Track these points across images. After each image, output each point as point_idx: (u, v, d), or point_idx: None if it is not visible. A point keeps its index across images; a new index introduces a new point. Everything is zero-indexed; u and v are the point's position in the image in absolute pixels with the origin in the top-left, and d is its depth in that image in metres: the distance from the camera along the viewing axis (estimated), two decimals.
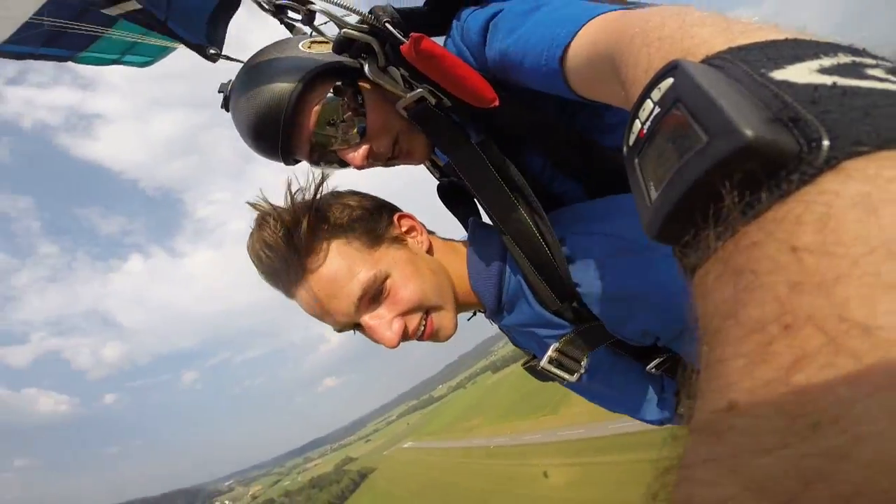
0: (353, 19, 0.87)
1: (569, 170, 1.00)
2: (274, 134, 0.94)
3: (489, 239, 0.99)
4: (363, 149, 0.98)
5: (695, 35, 0.34)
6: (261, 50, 1.02)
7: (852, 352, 0.17)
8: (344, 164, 1.02)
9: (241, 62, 1.06)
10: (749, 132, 0.22)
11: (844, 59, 0.25)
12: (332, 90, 0.95)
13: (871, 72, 0.24)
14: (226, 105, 1.04)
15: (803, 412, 0.17)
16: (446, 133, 0.89)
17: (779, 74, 0.25)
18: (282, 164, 1.03)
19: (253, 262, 0.91)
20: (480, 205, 0.95)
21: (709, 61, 0.29)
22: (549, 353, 0.94)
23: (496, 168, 0.88)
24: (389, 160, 1.03)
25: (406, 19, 0.88)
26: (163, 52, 1.61)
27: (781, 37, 0.29)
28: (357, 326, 0.94)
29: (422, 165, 1.21)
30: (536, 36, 0.71)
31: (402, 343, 0.93)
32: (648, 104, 0.30)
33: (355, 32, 0.85)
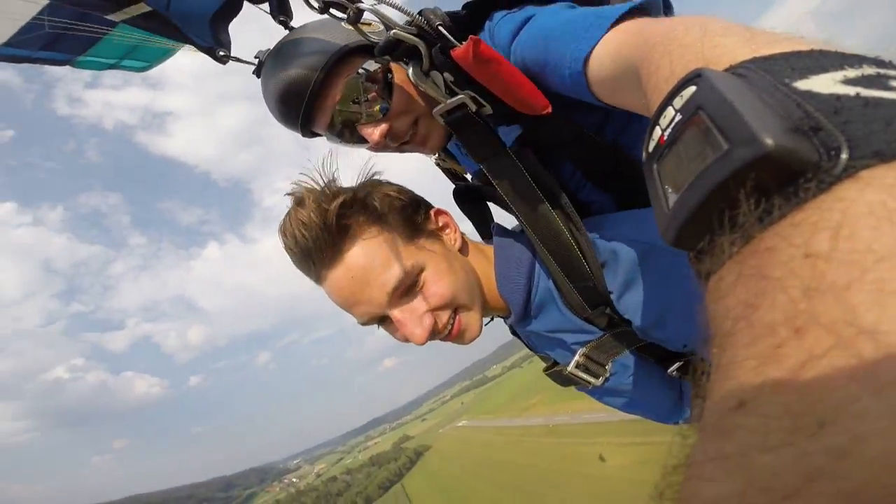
0: (401, 20, 0.87)
1: (599, 180, 0.99)
2: (299, 102, 0.97)
3: (517, 244, 0.99)
4: (383, 126, 1.01)
5: (718, 44, 0.34)
6: (304, 25, 1.06)
7: (859, 354, 0.17)
8: (360, 140, 1.04)
9: (251, 63, 1.12)
10: (770, 141, 0.22)
11: (869, 70, 0.25)
12: (363, 67, 0.98)
13: (895, 83, 0.24)
14: (258, 71, 1.08)
15: (810, 411, 0.18)
16: (483, 140, 0.89)
17: (802, 84, 0.25)
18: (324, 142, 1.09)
19: (285, 242, 0.89)
20: (512, 212, 0.93)
21: (732, 70, 0.29)
22: (577, 357, 0.96)
23: (532, 176, 0.88)
24: (403, 144, 1.05)
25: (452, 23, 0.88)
26: (162, 55, 1.55)
27: (806, 48, 0.29)
28: (383, 320, 0.92)
29: (439, 171, 1.33)
30: (561, 42, 0.72)
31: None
32: (670, 111, 0.30)
33: (404, 34, 0.84)
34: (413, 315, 0.88)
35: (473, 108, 0.86)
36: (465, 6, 0.97)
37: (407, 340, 0.91)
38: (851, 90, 0.24)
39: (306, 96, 0.97)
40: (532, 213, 0.88)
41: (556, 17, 0.78)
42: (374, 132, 1.00)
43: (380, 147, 1.04)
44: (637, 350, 0.94)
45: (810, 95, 0.24)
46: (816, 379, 0.18)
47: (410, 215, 0.94)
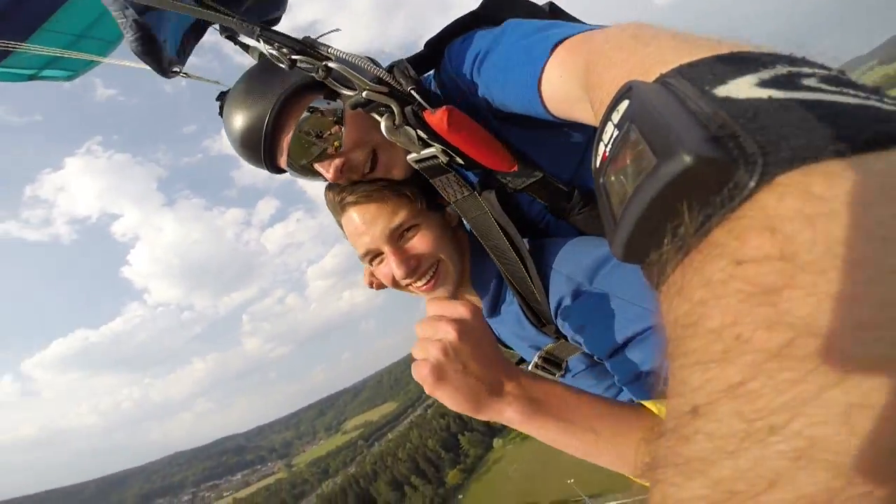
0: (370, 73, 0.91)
1: (558, 213, 1.08)
2: (257, 143, 1.01)
3: (488, 260, 1.10)
4: (337, 162, 1.03)
5: (648, 54, 0.35)
6: (258, 64, 1.07)
7: (799, 356, 0.18)
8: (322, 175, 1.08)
9: (201, 79, 1.16)
10: (688, 155, 0.23)
11: (782, 70, 0.26)
12: (314, 105, 1.00)
13: (806, 81, 0.25)
14: (221, 111, 1.11)
15: (760, 416, 0.19)
16: (453, 185, 1.02)
17: (721, 91, 0.26)
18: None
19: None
20: (481, 241, 1.06)
21: (661, 80, 0.30)
22: (535, 359, 1.09)
23: (494, 216, 1.01)
24: (367, 175, 1.08)
25: (415, 67, 0.95)
26: (88, 65, 1.48)
27: (726, 51, 0.29)
28: (375, 258, 1.11)
29: None
30: (515, 71, 0.77)
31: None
32: (609, 126, 0.31)
33: (375, 95, 0.88)
34: (401, 255, 1.07)
35: (445, 160, 0.95)
36: (426, 45, 1.03)
37: (387, 281, 1.12)
38: (765, 93, 0.24)
39: (261, 142, 0.99)
40: (496, 245, 1.03)
41: (508, 46, 0.82)
42: (329, 169, 1.03)
43: (341, 181, 1.07)
44: (585, 354, 1.03)
45: (728, 102, 0.25)
46: (763, 384, 0.19)
47: (423, 188, 1.10)
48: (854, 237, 0.19)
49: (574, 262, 0.98)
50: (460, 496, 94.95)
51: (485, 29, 0.93)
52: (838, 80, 0.25)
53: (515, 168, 0.95)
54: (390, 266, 1.07)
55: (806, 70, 0.26)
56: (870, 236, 0.19)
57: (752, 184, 0.22)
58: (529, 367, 1.08)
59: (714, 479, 0.19)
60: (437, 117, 0.86)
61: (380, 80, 0.89)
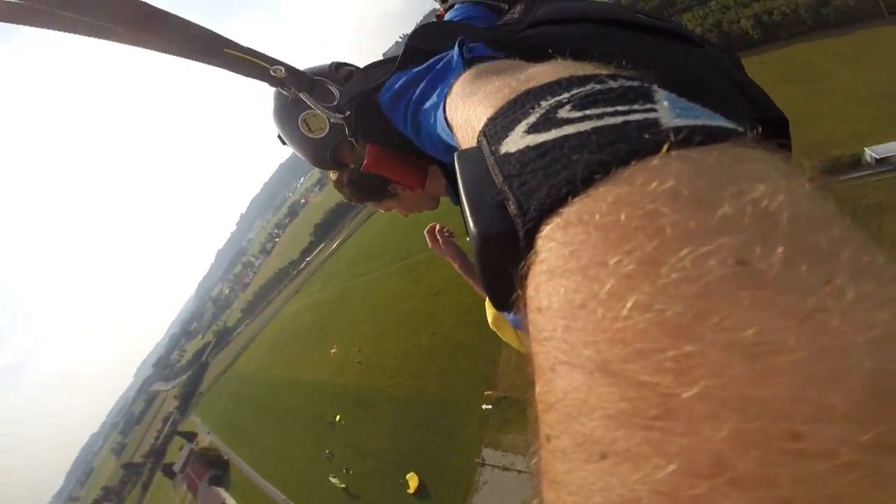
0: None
1: None
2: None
3: None
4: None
5: (478, 102, 0.36)
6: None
7: (579, 387, 0.20)
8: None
9: None
10: (475, 228, 0.26)
11: (544, 105, 0.27)
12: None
13: (560, 113, 0.26)
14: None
15: (591, 442, 0.20)
16: None
17: (503, 146, 0.27)
18: None
19: None
20: None
21: (478, 136, 0.32)
22: None
23: None
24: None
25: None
26: None
27: (523, 89, 0.30)
28: None
29: None
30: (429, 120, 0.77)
31: None
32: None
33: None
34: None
35: None
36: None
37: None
38: (529, 140, 0.26)
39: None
40: None
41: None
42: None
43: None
44: None
45: (505, 159, 0.26)
46: (571, 412, 0.21)
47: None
48: (560, 284, 0.21)
49: None
50: None
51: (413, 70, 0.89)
52: (594, 97, 0.25)
53: (422, 188, 1.20)
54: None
55: (565, 97, 0.26)
56: (571, 282, 0.21)
57: (527, 240, 0.24)
58: None
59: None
60: (367, 153, 1.09)
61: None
